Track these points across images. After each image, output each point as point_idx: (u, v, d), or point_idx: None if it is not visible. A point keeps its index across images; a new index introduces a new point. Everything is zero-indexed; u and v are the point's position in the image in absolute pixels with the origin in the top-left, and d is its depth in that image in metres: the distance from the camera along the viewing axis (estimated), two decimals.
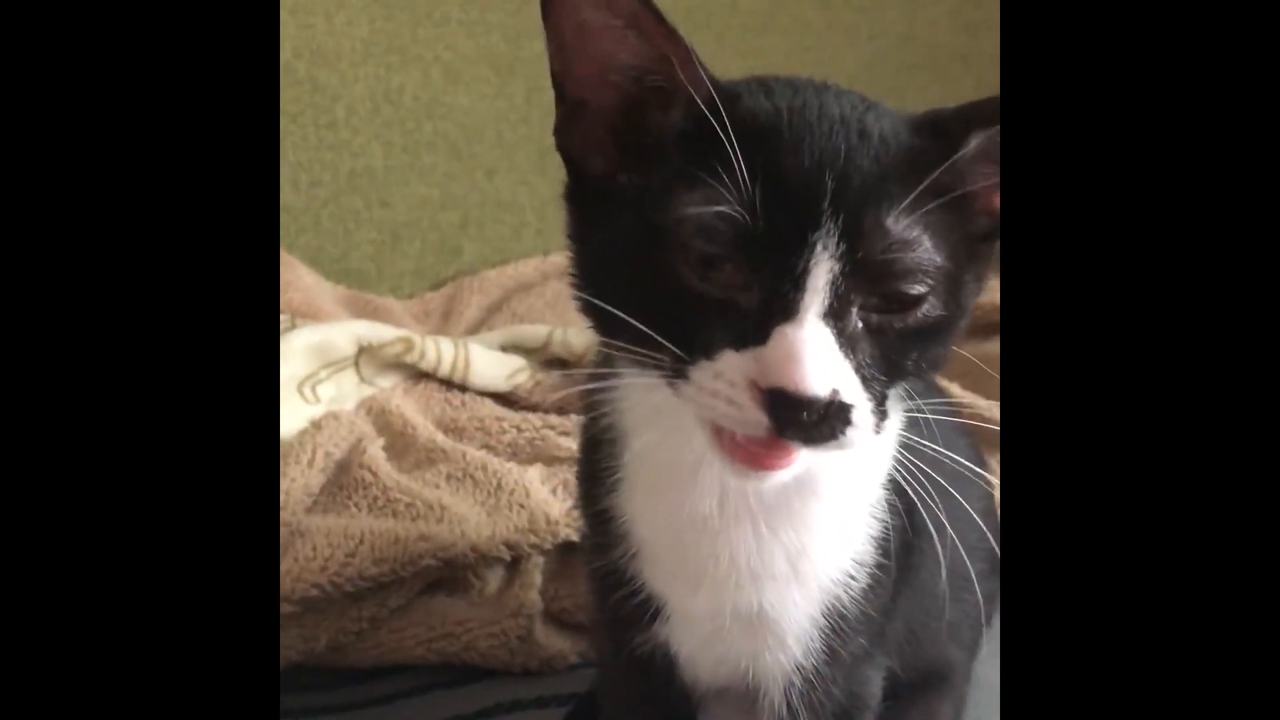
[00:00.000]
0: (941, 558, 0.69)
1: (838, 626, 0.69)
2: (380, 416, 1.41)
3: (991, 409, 1.39)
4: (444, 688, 1.09)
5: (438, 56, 1.81)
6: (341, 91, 1.75)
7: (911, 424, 0.70)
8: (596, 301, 0.58)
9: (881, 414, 0.57)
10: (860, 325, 0.56)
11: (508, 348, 1.57)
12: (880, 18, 2.22)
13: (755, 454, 0.55)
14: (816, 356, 0.53)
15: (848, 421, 0.54)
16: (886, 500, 0.70)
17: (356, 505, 1.20)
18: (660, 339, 0.54)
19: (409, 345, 1.48)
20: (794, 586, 0.67)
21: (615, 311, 0.56)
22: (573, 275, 0.62)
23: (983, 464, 0.90)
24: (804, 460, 0.57)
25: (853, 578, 0.69)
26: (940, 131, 0.58)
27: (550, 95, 2.08)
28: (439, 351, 1.49)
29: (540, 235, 1.94)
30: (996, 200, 0.60)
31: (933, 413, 0.66)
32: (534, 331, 1.57)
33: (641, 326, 0.55)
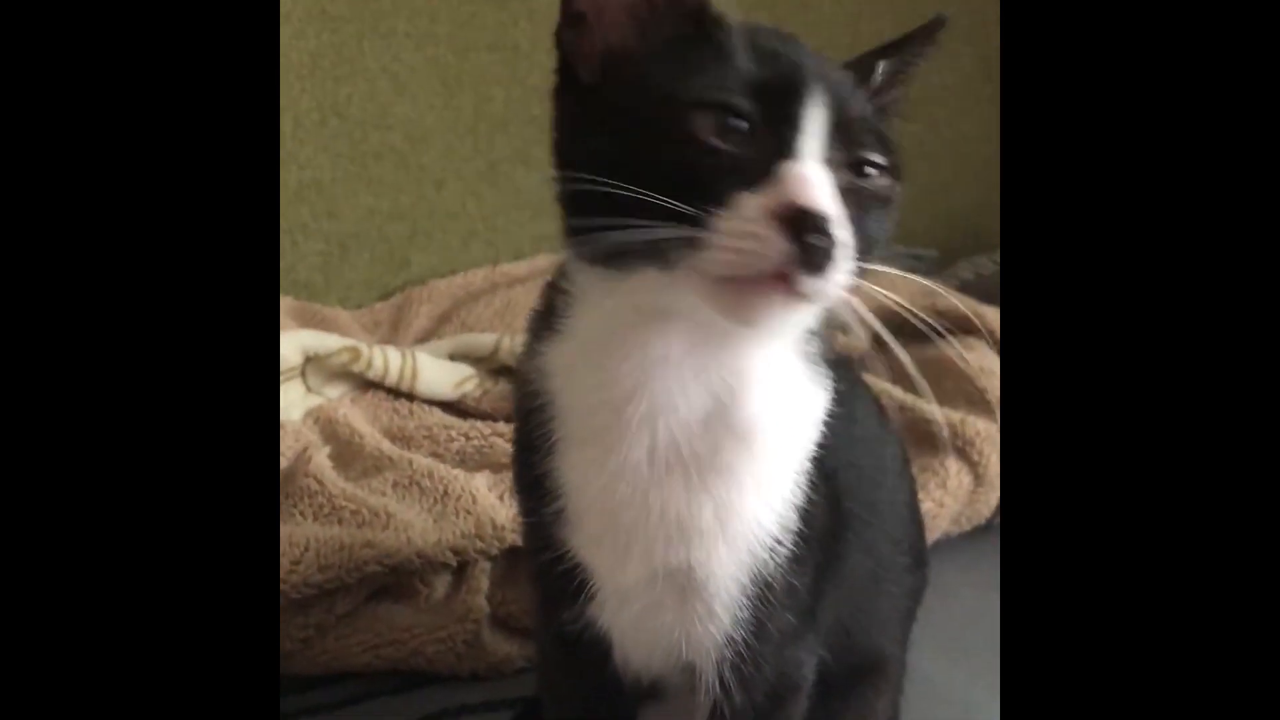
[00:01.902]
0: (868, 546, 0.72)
1: (765, 596, 0.72)
2: (327, 426, 1.41)
3: (932, 410, 1.42)
4: (391, 694, 1.10)
5: (385, 68, 1.82)
6: (288, 104, 1.75)
7: (838, 414, 0.72)
8: (605, 186, 0.59)
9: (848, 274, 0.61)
10: (839, 184, 0.61)
11: (456, 356, 1.57)
12: (820, 34, 2.25)
13: (762, 286, 0.59)
14: (823, 182, 0.59)
15: (838, 257, 0.58)
16: (811, 478, 0.73)
17: (302, 513, 1.20)
18: (676, 205, 0.58)
19: (356, 354, 1.48)
20: (721, 543, 0.70)
21: (626, 190, 0.58)
22: (568, 167, 0.64)
23: (908, 461, 0.93)
24: (794, 307, 0.61)
25: (779, 543, 0.71)
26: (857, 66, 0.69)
27: (496, 108, 2.08)
28: (386, 360, 1.49)
29: (489, 245, 1.94)
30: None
31: (861, 407, 0.70)
32: (482, 340, 1.58)
33: (656, 198, 0.58)
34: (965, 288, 1.99)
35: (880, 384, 1.41)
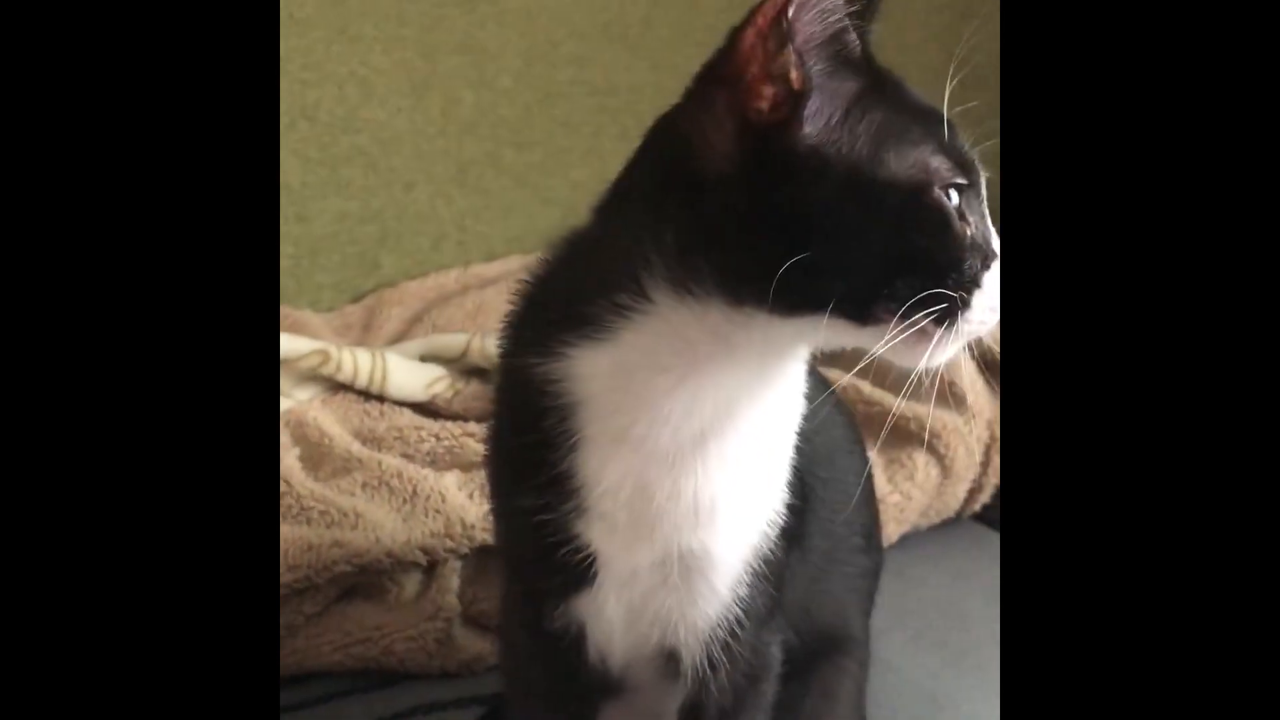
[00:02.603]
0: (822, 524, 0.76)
1: (760, 570, 0.74)
2: (298, 429, 1.41)
3: (898, 403, 1.43)
4: (363, 692, 1.10)
5: (353, 72, 1.81)
6: None
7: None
8: (859, 283, 0.61)
9: None
10: None
11: (426, 357, 1.57)
12: None
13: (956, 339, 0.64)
14: None
15: None
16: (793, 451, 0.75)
17: None
18: (946, 292, 0.61)
19: (325, 357, 1.48)
20: (741, 521, 0.72)
21: (883, 280, 0.61)
22: (791, 264, 0.60)
23: (861, 442, 0.95)
24: None
25: (777, 514, 0.74)
26: None
27: (465, 111, 2.06)
28: (356, 362, 1.49)
29: (460, 247, 1.94)
30: None
31: (809, 386, 0.72)
32: (452, 341, 1.58)
33: (931, 285, 0.61)
34: None
35: (847, 378, 1.42)
